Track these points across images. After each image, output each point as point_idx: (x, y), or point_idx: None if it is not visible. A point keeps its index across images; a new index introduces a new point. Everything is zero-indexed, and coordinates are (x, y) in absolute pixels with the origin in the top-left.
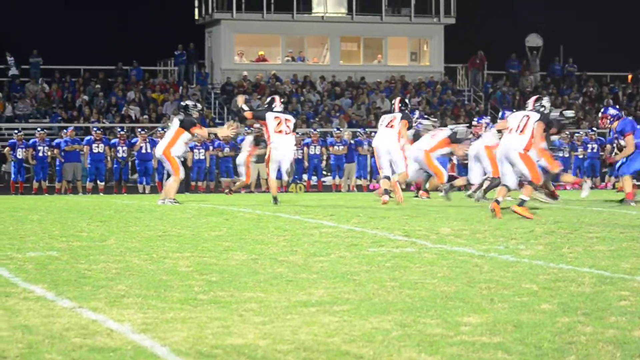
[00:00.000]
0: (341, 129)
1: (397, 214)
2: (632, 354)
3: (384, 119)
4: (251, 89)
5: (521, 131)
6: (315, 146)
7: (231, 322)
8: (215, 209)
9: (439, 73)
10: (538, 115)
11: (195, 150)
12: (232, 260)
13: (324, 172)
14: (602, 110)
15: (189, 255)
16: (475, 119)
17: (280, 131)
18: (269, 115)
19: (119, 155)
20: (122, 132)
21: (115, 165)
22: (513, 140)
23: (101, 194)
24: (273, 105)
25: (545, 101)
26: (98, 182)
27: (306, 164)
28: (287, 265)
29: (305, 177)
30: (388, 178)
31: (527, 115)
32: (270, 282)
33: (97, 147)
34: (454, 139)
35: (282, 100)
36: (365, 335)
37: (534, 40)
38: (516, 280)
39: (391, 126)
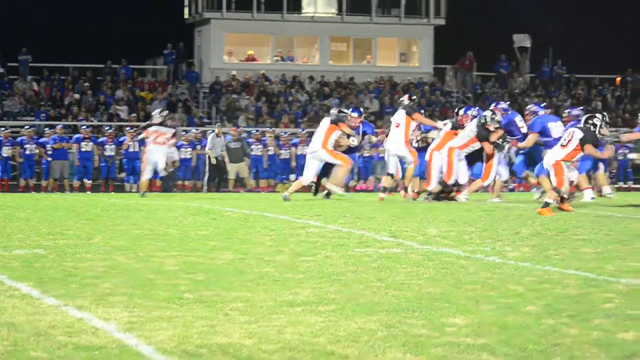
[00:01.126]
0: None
1: (384, 214)
2: (617, 355)
3: (392, 120)
4: (240, 88)
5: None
6: (303, 146)
7: (217, 322)
8: (202, 208)
9: (428, 74)
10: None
11: (182, 149)
12: (218, 260)
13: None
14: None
15: (176, 254)
16: (463, 110)
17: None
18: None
19: (107, 153)
20: (110, 131)
21: (102, 164)
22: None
23: (88, 192)
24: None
25: (597, 119)
26: (85, 180)
27: (294, 163)
28: (273, 265)
29: (292, 177)
30: (391, 176)
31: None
32: (256, 281)
33: (86, 145)
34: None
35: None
36: (350, 336)
37: (521, 40)
38: (502, 282)
39: (397, 126)
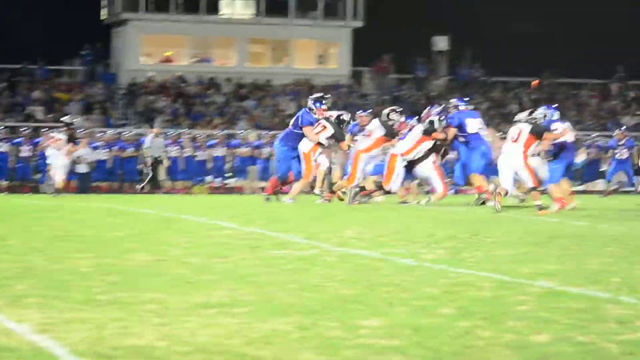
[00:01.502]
0: (246, 131)
1: (300, 216)
2: (529, 358)
3: None
4: (157, 89)
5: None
6: (219, 148)
7: (130, 323)
8: (117, 210)
9: (346, 76)
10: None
11: (98, 151)
12: (133, 261)
13: (228, 174)
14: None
15: (91, 255)
16: (361, 111)
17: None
18: None
19: (23, 154)
20: (26, 132)
21: (18, 165)
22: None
23: (4, 193)
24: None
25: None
26: (1, 181)
27: (210, 165)
28: (188, 266)
29: (208, 178)
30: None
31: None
32: (170, 283)
33: (1, 146)
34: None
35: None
36: (264, 337)
37: (440, 43)
38: (416, 284)
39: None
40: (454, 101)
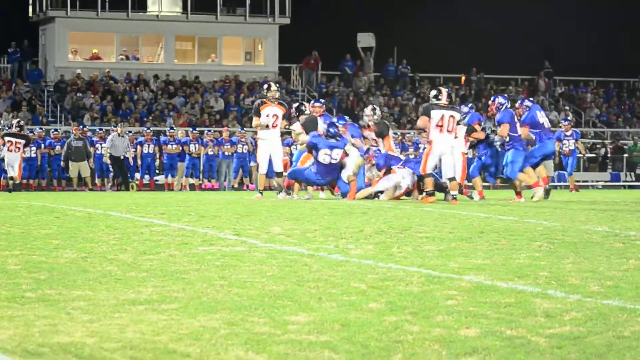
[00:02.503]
0: (174, 128)
1: (229, 213)
2: (458, 352)
3: None
4: (85, 87)
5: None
6: (148, 145)
7: (59, 321)
8: (45, 207)
9: (273, 73)
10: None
11: (26, 148)
12: (61, 259)
13: (157, 171)
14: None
15: (18, 253)
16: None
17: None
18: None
19: None
20: None
21: None
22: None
23: None
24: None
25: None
26: None
27: (139, 162)
28: (116, 263)
29: (137, 175)
30: None
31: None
32: (99, 280)
33: None
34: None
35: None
36: (192, 334)
37: (366, 40)
38: (345, 280)
39: None
40: (526, 102)
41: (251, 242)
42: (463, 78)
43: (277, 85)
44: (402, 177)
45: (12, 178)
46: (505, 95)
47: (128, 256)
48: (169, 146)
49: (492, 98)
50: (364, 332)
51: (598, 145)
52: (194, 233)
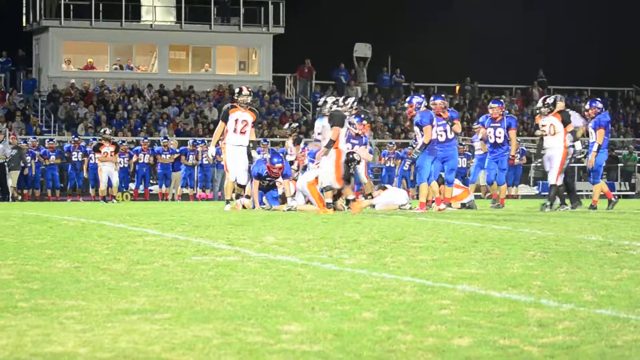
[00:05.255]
0: (169, 138)
1: (222, 222)
2: None
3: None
4: (78, 97)
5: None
6: (144, 154)
7: (51, 330)
8: (39, 217)
9: (268, 82)
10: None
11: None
12: (54, 268)
13: (151, 182)
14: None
15: (11, 263)
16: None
17: None
18: None
19: None
20: None
21: None
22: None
23: None
24: None
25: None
26: None
27: (131, 170)
28: (109, 273)
29: (132, 185)
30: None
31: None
32: (92, 290)
33: None
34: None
35: None
36: (185, 344)
37: (362, 50)
38: (338, 289)
39: None
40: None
41: (244, 252)
42: (457, 87)
43: (250, 90)
44: (395, 195)
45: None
46: (423, 95)
47: (121, 266)
48: (163, 156)
49: (408, 99)
50: (357, 342)
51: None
52: (188, 243)
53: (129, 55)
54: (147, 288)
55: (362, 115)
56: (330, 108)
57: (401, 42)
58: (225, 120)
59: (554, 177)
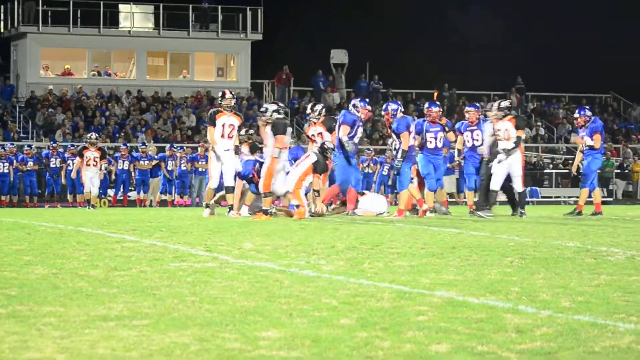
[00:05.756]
0: (147, 144)
1: (200, 229)
2: None
3: None
4: (56, 103)
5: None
6: (123, 161)
7: (29, 337)
8: (17, 223)
9: (246, 89)
10: None
11: None
12: (32, 275)
13: (130, 188)
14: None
15: None
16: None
17: None
18: None
19: None
20: None
21: None
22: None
23: None
24: None
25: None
26: None
27: (113, 177)
28: (87, 279)
29: (110, 191)
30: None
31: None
32: (70, 296)
33: None
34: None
35: None
36: (163, 350)
37: (339, 56)
38: (316, 295)
39: None
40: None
41: (222, 258)
42: (435, 94)
43: (232, 93)
44: (373, 202)
45: None
46: (399, 101)
47: (99, 272)
48: (141, 162)
49: (384, 106)
50: (335, 348)
51: (570, 161)
52: (166, 249)
53: (107, 61)
54: (125, 294)
55: (367, 100)
56: (271, 116)
57: (379, 49)
58: (213, 124)
59: (519, 185)
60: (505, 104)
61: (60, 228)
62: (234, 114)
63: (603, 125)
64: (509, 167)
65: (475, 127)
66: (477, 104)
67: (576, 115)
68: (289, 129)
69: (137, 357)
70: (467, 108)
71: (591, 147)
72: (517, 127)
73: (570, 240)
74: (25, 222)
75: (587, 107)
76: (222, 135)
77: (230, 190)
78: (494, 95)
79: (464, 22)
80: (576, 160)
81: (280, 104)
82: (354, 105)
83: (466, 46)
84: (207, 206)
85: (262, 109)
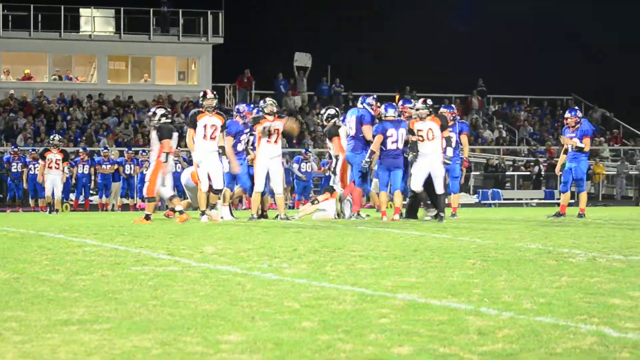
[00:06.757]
0: (108, 148)
1: (162, 232)
2: None
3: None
4: (18, 107)
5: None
6: (83, 165)
7: None
8: None
9: None
10: None
11: None
12: None
13: (91, 192)
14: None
15: None
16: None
17: None
18: None
19: None
20: None
21: None
22: None
23: None
24: None
25: None
26: None
27: (73, 181)
28: (49, 284)
29: (72, 196)
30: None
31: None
32: (31, 300)
33: None
34: None
35: None
36: (125, 354)
37: (302, 60)
38: (278, 299)
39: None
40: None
41: (184, 262)
42: (397, 97)
43: (214, 93)
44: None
45: None
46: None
47: (61, 276)
48: (103, 166)
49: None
50: (297, 351)
51: (532, 163)
52: (127, 253)
53: (68, 65)
54: (86, 298)
55: (375, 96)
56: (159, 120)
57: (340, 52)
58: (194, 126)
59: (440, 186)
60: (429, 103)
61: (21, 232)
62: (216, 114)
63: (593, 129)
64: (430, 166)
65: (450, 129)
66: (452, 105)
67: (567, 115)
68: (175, 134)
69: None
70: (442, 109)
71: (579, 150)
72: (442, 128)
73: (532, 242)
74: None
75: (577, 107)
76: (205, 137)
77: (219, 192)
78: (455, 97)
79: (425, 25)
80: (560, 160)
81: (168, 109)
82: (369, 104)
83: (428, 49)
84: (203, 213)
85: (150, 113)
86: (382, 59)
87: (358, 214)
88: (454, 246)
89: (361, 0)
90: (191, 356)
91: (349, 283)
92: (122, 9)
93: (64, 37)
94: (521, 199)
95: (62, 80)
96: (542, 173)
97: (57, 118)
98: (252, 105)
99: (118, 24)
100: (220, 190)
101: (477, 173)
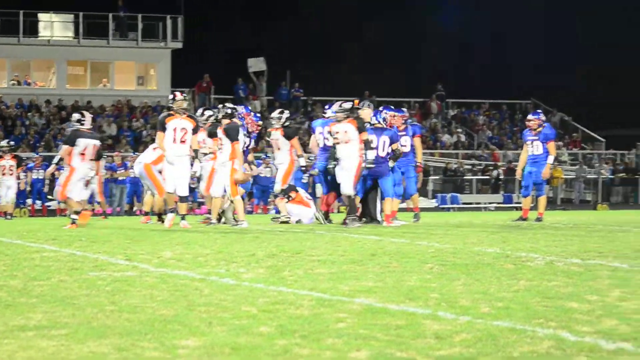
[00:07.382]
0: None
1: (120, 238)
2: None
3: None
4: None
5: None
6: (38, 170)
7: None
8: None
9: (166, 97)
10: None
11: None
12: None
13: (49, 197)
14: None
15: None
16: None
17: None
18: None
19: None
20: None
21: None
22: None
23: None
24: None
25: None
26: None
27: (28, 188)
28: (6, 289)
29: (29, 201)
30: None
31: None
32: None
33: None
34: None
35: None
36: (82, 359)
37: (256, 64)
38: (235, 303)
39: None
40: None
41: (142, 267)
42: (356, 102)
43: (184, 94)
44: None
45: None
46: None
47: (18, 282)
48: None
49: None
50: (254, 356)
51: (490, 167)
52: (85, 258)
53: (27, 70)
54: (44, 304)
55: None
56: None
57: (300, 56)
58: (163, 129)
59: (350, 188)
60: (346, 105)
61: None
62: (186, 117)
63: (556, 133)
64: (342, 169)
65: (404, 133)
66: (403, 109)
67: (530, 117)
68: (90, 141)
69: None
70: (392, 112)
71: (539, 155)
72: (359, 130)
73: (490, 246)
74: None
75: (540, 110)
76: (174, 140)
77: (184, 199)
78: (414, 102)
79: (384, 28)
80: (520, 163)
81: (85, 115)
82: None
83: (386, 53)
84: (172, 211)
85: (73, 118)
86: (342, 63)
87: (326, 214)
88: (412, 250)
89: (321, 5)
90: None
91: (307, 288)
92: (80, 13)
93: (23, 42)
94: (480, 203)
95: (20, 85)
96: (501, 177)
97: (15, 123)
98: (250, 109)
99: (77, 29)
100: (185, 198)
101: (436, 177)
